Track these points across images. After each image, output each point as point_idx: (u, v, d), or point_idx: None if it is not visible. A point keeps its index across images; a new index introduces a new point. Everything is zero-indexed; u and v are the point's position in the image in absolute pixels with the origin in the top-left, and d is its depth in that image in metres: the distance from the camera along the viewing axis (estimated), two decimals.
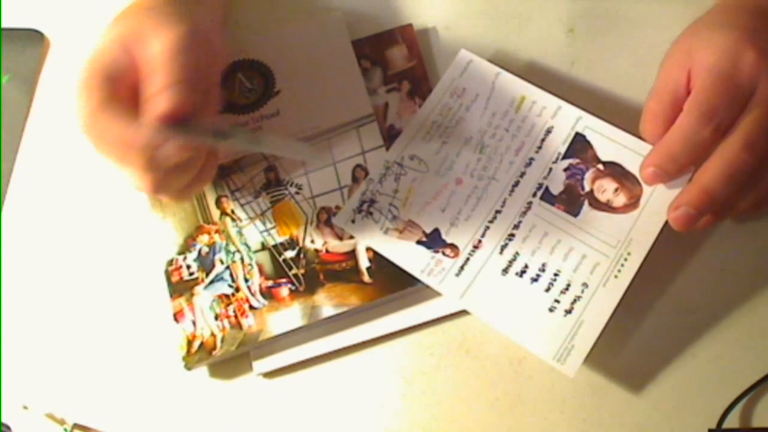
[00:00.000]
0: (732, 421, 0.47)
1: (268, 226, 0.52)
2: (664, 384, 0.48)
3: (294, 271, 0.51)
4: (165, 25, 0.43)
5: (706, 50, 0.45)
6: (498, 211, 0.50)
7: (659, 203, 0.48)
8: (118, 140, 0.42)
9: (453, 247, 0.49)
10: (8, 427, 0.50)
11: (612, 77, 0.55)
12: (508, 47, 0.56)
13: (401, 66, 0.55)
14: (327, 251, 0.51)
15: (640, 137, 0.50)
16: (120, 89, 0.43)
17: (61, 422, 0.50)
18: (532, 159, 0.51)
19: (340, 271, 0.50)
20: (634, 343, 0.49)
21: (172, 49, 0.42)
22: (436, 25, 0.57)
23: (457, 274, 0.49)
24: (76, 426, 0.50)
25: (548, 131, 0.52)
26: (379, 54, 0.56)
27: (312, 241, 0.51)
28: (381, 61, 0.55)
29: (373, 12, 0.58)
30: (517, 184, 0.51)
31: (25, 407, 0.51)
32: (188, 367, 0.49)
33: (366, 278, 0.50)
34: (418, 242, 0.50)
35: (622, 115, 0.51)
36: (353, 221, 0.50)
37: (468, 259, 0.49)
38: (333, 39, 0.55)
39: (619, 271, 0.48)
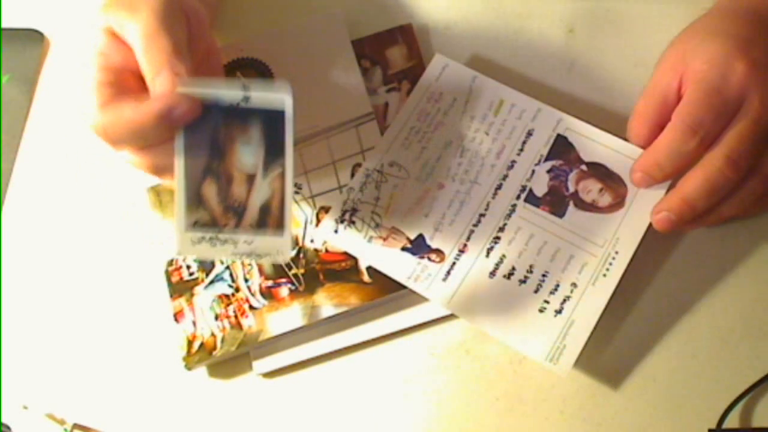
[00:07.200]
0: (732, 421, 0.47)
1: None
2: (664, 384, 0.48)
3: (294, 270, 0.51)
4: (139, 7, 0.42)
5: (698, 59, 0.45)
6: (482, 215, 0.50)
7: (645, 203, 0.48)
8: (133, 118, 0.40)
9: (438, 252, 0.49)
10: (8, 427, 0.50)
11: (612, 78, 0.55)
12: (508, 47, 0.56)
13: (401, 66, 0.55)
14: (326, 251, 0.51)
15: (623, 137, 0.50)
16: (127, 79, 0.42)
17: (61, 422, 0.50)
18: (514, 162, 0.51)
19: (339, 270, 0.50)
20: (633, 344, 0.49)
21: (149, 34, 0.41)
22: (436, 25, 0.57)
23: (444, 279, 0.48)
24: (76, 426, 0.50)
25: (529, 134, 0.52)
26: (379, 54, 0.56)
27: (311, 241, 0.51)
28: (381, 61, 0.55)
29: (373, 12, 0.58)
30: (500, 186, 0.50)
31: (25, 407, 0.51)
32: (188, 368, 0.49)
33: (366, 278, 0.50)
34: (403, 249, 0.49)
35: (621, 116, 0.51)
36: (336, 231, 0.50)
37: (454, 263, 0.49)
38: (332, 37, 0.55)
39: (607, 269, 0.48)
